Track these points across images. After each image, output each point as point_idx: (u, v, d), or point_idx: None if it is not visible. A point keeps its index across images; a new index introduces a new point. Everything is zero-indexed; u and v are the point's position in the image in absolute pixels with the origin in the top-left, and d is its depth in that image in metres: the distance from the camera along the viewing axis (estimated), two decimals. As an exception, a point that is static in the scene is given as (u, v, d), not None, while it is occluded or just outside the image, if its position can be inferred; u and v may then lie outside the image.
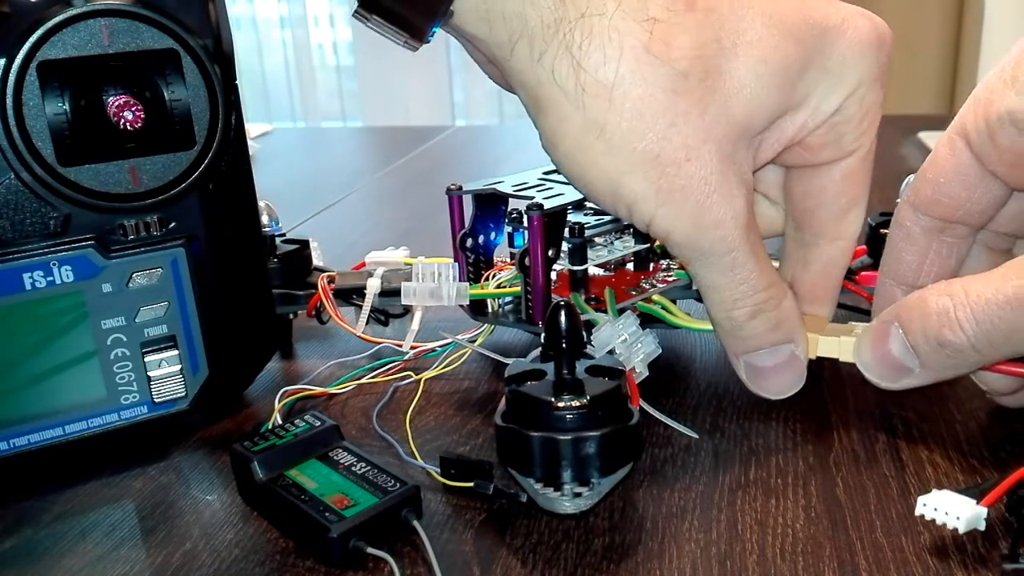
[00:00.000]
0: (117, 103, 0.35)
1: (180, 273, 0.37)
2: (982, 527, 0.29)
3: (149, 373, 0.38)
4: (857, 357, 0.35)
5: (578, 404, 0.30)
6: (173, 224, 0.37)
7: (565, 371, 0.31)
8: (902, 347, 0.33)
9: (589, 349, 0.35)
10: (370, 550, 0.29)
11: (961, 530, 0.29)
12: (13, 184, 0.34)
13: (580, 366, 0.32)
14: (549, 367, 0.32)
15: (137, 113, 0.35)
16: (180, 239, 0.37)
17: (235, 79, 0.38)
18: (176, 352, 0.38)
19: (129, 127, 0.35)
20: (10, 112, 0.33)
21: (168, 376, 0.38)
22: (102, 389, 0.37)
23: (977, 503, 0.29)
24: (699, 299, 0.44)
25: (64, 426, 0.36)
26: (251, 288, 0.41)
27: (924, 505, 0.29)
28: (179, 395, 0.38)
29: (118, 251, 0.36)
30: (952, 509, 0.29)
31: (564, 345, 0.31)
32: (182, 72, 0.36)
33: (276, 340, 0.44)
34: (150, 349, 0.37)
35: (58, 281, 0.35)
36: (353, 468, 0.33)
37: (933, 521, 0.29)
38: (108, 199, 0.35)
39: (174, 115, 0.36)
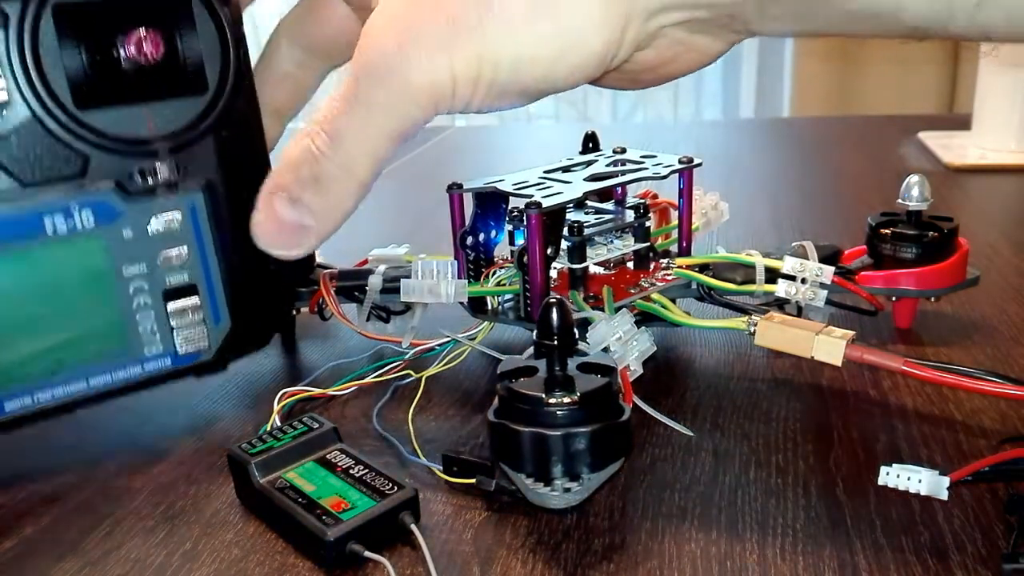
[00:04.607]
0: (132, 39, 0.35)
1: (198, 219, 0.37)
2: (944, 496, 0.30)
3: (172, 323, 0.37)
4: (256, 239, 0.33)
5: (568, 400, 0.30)
6: (190, 169, 0.37)
7: (556, 368, 0.31)
8: (290, 208, 0.32)
9: (584, 346, 0.35)
10: (367, 554, 0.29)
11: (923, 492, 0.30)
12: (32, 125, 0.34)
13: (572, 363, 0.32)
14: (542, 364, 0.32)
15: (154, 45, 0.35)
16: (197, 184, 0.37)
17: (242, 23, 0.38)
18: (198, 301, 0.38)
19: (146, 61, 0.35)
20: (28, 55, 0.33)
21: (191, 326, 0.38)
22: (125, 339, 0.37)
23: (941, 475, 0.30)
24: (699, 298, 0.44)
25: (87, 379, 0.36)
26: None
27: (887, 474, 0.31)
28: (202, 346, 0.38)
29: (137, 195, 0.36)
30: (915, 475, 0.31)
31: (555, 342, 0.31)
32: (193, 16, 0.36)
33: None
34: (172, 298, 0.37)
35: (79, 226, 0.35)
36: (351, 471, 0.33)
37: (896, 488, 0.30)
38: (125, 143, 0.36)
39: (187, 59, 0.36)
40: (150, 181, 0.36)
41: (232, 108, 0.38)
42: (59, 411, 0.36)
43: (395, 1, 0.29)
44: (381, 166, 0.31)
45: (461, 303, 0.42)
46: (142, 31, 0.35)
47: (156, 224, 0.36)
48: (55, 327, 0.35)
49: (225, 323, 0.39)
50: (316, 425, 0.35)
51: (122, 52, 0.35)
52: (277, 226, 0.32)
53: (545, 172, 0.44)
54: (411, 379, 0.42)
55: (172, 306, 0.37)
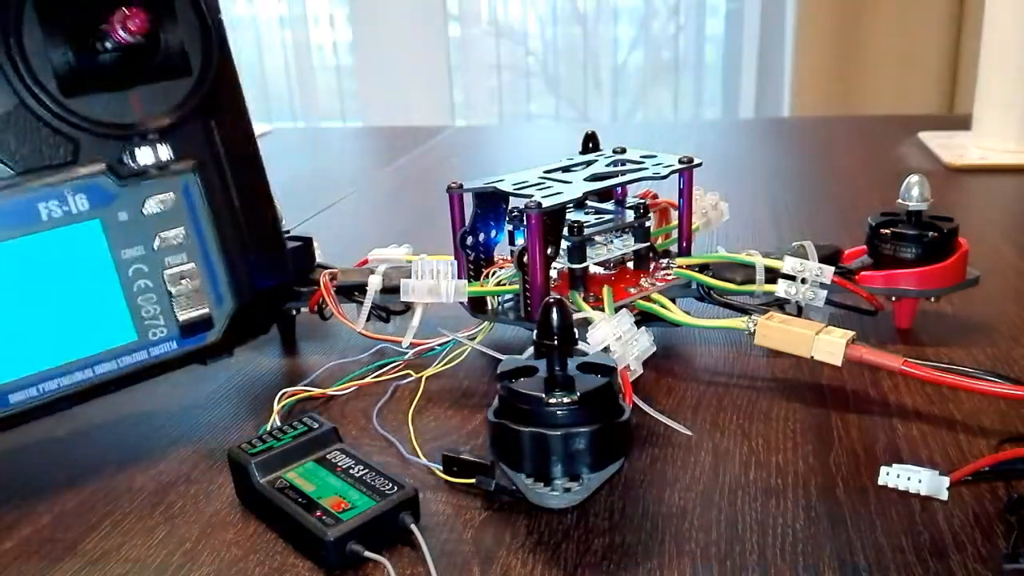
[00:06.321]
0: (116, 19, 0.35)
1: (193, 199, 0.38)
2: (944, 496, 0.31)
3: (175, 305, 0.38)
4: None
5: (568, 400, 0.30)
6: (180, 150, 0.38)
7: (556, 368, 0.31)
8: None
9: (584, 346, 0.35)
10: (367, 554, 0.29)
11: (923, 492, 0.31)
12: (21, 113, 0.34)
13: (572, 363, 0.32)
14: (542, 364, 0.32)
15: (138, 23, 0.35)
16: (189, 165, 0.38)
17: (219, 11, 0.39)
18: (199, 282, 0.38)
19: (132, 35, 0.35)
20: (12, 44, 0.33)
21: (194, 307, 0.38)
22: (128, 324, 0.37)
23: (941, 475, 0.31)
24: (699, 298, 0.44)
25: (94, 367, 0.36)
26: (262, 214, 0.41)
27: (887, 474, 0.32)
28: (207, 328, 0.39)
29: (130, 178, 0.36)
30: (915, 475, 0.32)
31: (555, 342, 0.31)
32: (173, 3, 0.37)
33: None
34: (173, 279, 0.37)
35: (74, 210, 0.35)
36: (351, 471, 0.33)
37: (896, 488, 0.32)
38: (113, 127, 0.36)
39: (169, 43, 0.37)
40: (141, 163, 0.36)
41: (217, 90, 0.38)
42: (66, 402, 0.36)
43: None
44: None
45: (461, 303, 0.42)
46: (125, 10, 0.35)
47: (151, 206, 0.37)
48: (57, 315, 0.35)
49: (228, 304, 0.39)
50: (316, 425, 0.35)
51: (106, 37, 0.35)
52: None
53: (545, 172, 0.44)
54: (411, 379, 0.42)
55: (174, 288, 0.37)
